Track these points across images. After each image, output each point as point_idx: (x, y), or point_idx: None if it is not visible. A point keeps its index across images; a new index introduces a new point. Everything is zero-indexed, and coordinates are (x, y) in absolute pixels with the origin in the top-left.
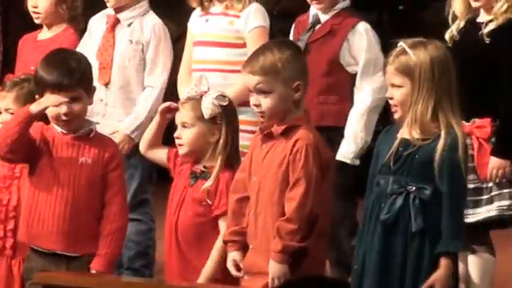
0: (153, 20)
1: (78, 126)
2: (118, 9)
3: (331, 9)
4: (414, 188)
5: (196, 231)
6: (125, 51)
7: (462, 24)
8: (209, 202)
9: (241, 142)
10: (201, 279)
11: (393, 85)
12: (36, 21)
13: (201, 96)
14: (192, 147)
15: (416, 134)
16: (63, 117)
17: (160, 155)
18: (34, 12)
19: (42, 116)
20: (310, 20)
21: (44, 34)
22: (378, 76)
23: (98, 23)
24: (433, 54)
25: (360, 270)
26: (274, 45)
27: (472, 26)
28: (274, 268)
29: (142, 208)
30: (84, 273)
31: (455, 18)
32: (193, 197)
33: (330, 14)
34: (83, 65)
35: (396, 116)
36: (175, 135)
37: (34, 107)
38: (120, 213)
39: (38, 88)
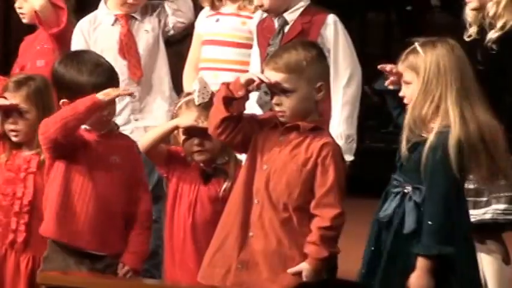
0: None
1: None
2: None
3: (294, 8)
4: (410, 188)
5: (215, 229)
6: (144, 40)
7: (477, 29)
8: None
9: None
10: None
11: (405, 82)
12: (24, 21)
13: (211, 98)
14: (215, 152)
15: (416, 131)
16: (108, 118)
17: (160, 155)
18: (21, 14)
19: None
20: (277, 23)
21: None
22: (349, 67)
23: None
24: (440, 51)
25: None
26: (298, 43)
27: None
28: (312, 274)
29: (157, 205)
30: (91, 274)
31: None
32: (209, 195)
33: (296, 13)
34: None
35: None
36: (195, 142)
37: (102, 97)
38: (150, 212)
39: (75, 92)
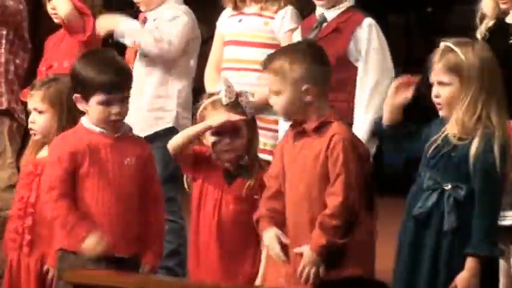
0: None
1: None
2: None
3: (336, 7)
4: (450, 186)
5: (240, 230)
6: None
7: (491, 23)
8: (256, 197)
9: (265, 140)
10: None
11: (440, 83)
12: (56, 21)
13: (237, 97)
14: (242, 151)
15: (456, 133)
16: (113, 117)
17: (187, 156)
18: (54, 14)
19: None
20: (317, 19)
21: None
22: (376, 74)
23: None
24: (480, 53)
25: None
26: (291, 48)
27: (501, 26)
28: (311, 258)
29: (170, 207)
30: (116, 272)
31: (483, 18)
32: (234, 196)
33: (336, 12)
34: (126, 64)
35: (442, 113)
36: (226, 141)
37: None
38: (164, 212)
39: (83, 88)
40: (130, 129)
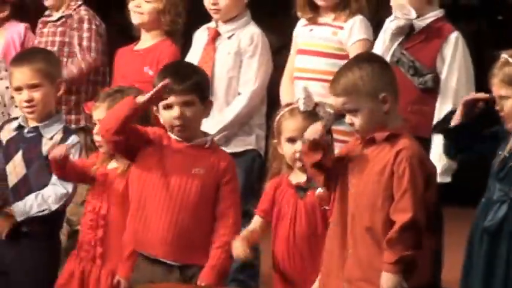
0: (252, 29)
1: (193, 135)
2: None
3: (424, 16)
4: None
5: (316, 241)
6: (224, 62)
7: None
8: (327, 208)
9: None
10: None
11: (500, 96)
12: (134, 21)
13: (314, 108)
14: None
15: None
16: (176, 122)
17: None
18: (137, 12)
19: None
20: (404, 26)
21: (141, 44)
22: (458, 91)
23: (200, 36)
24: None
25: (466, 276)
26: (354, 63)
27: None
28: (390, 279)
29: (246, 220)
30: (187, 285)
31: None
32: (306, 209)
33: (426, 21)
34: (198, 75)
35: (506, 126)
36: (298, 149)
37: (140, 98)
38: (232, 227)
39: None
40: (211, 141)
